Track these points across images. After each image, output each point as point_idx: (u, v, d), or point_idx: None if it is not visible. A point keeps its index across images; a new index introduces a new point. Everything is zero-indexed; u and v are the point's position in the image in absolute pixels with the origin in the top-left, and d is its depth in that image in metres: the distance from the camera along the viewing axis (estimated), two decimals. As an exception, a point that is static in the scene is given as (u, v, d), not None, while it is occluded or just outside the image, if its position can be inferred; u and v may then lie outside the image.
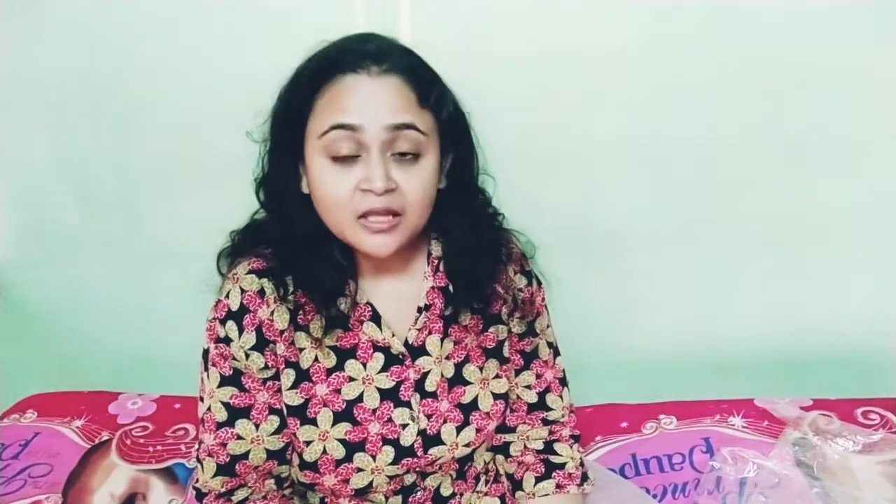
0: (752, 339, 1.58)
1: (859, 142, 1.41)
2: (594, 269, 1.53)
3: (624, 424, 1.30)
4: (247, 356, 0.85)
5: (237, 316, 0.85)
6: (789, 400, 1.31)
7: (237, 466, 0.87)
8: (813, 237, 1.50)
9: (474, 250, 0.89)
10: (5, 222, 1.61)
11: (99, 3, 1.39)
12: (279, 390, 0.88)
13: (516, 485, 1.00)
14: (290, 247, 0.85)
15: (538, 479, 0.99)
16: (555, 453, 1.01)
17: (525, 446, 1.01)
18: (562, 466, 1.00)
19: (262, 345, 0.86)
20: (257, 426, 0.87)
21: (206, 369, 0.88)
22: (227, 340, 0.85)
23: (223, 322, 0.85)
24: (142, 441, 1.27)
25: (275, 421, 0.88)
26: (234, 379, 0.86)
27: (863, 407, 1.28)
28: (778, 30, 1.33)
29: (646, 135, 1.42)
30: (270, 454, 0.88)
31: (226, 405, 0.86)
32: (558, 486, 0.98)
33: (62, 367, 1.61)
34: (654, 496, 1.14)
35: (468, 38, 1.30)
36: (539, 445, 1.01)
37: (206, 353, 0.88)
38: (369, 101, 0.77)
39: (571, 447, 1.02)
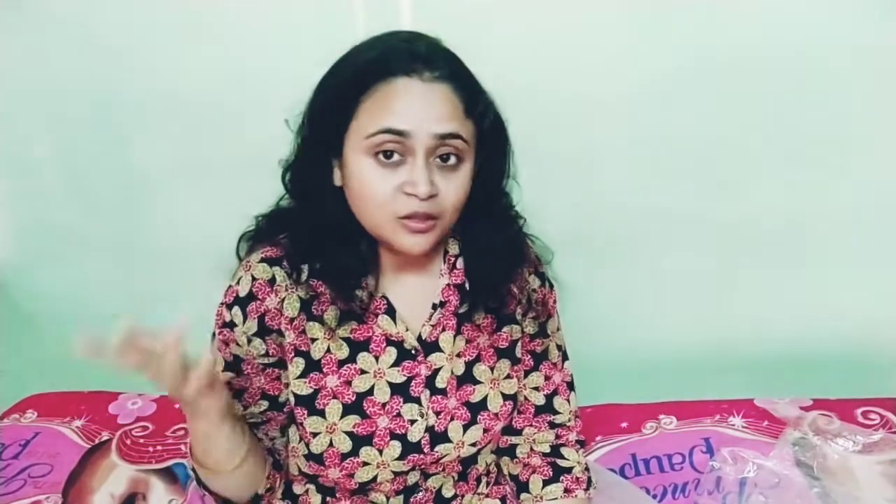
0: (752, 339, 1.58)
1: (859, 142, 1.41)
2: (594, 270, 1.53)
3: (624, 424, 1.30)
4: (249, 341, 0.86)
5: (244, 302, 0.86)
6: (789, 400, 1.31)
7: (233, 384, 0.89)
8: (813, 237, 1.50)
9: (494, 251, 0.90)
10: (5, 222, 1.61)
11: (99, 4, 1.38)
12: (278, 378, 0.89)
13: (521, 487, 1.00)
14: (315, 236, 0.85)
15: (546, 483, 0.99)
16: (562, 457, 1.01)
17: (532, 449, 1.01)
18: (569, 470, 1.00)
19: (263, 332, 0.86)
20: (246, 407, 0.90)
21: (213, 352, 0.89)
22: (231, 325, 0.86)
23: (230, 307, 0.86)
24: (142, 441, 1.27)
25: (263, 405, 0.90)
26: (234, 364, 0.88)
27: (863, 407, 1.28)
28: (778, 30, 1.33)
29: (647, 136, 1.42)
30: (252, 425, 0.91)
31: (227, 385, 0.87)
32: (566, 491, 0.98)
33: (62, 367, 1.61)
34: (654, 496, 1.14)
35: (468, 38, 1.29)
36: (546, 449, 1.01)
37: (213, 336, 0.90)
38: (420, 108, 0.77)
39: (577, 452, 1.02)
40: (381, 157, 0.78)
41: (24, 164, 1.55)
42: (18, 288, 1.65)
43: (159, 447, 1.26)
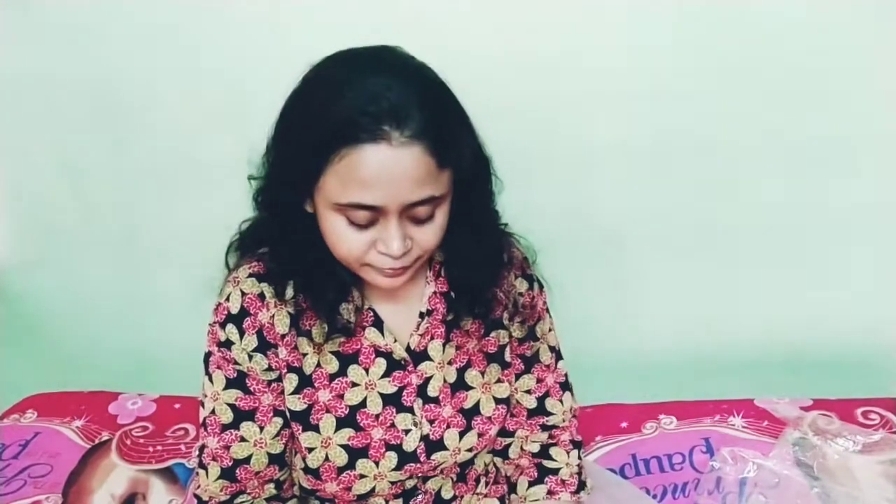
0: (752, 339, 1.58)
1: (859, 142, 1.41)
2: (594, 270, 1.53)
3: (624, 424, 1.30)
4: (250, 357, 0.85)
5: (237, 319, 0.85)
6: (789, 400, 1.31)
7: (238, 471, 0.86)
8: (813, 237, 1.50)
9: (475, 258, 0.89)
10: (5, 222, 1.61)
11: (99, 5, 1.38)
12: (283, 392, 0.87)
13: (511, 488, 1.01)
14: (293, 253, 0.84)
15: (531, 484, 0.99)
16: (550, 458, 1.00)
17: (522, 448, 1.01)
18: (555, 472, 0.99)
19: (264, 347, 0.85)
20: (262, 428, 0.87)
21: (208, 373, 0.87)
22: (227, 344, 0.85)
23: (223, 325, 0.85)
24: (142, 441, 1.27)
25: (278, 423, 0.87)
26: (238, 381, 0.86)
27: (863, 407, 1.28)
28: (778, 30, 1.33)
29: (645, 136, 1.42)
30: (272, 458, 0.88)
31: (231, 406, 0.86)
32: (550, 493, 0.98)
33: (62, 367, 1.61)
34: (654, 496, 1.14)
35: (468, 38, 1.29)
36: (535, 448, 1.01)
37: (207, 356, 0.88)
38: (390, 179, 0.72)
39: (569, 453, 1.01)
40: (351, 218, 0.76)
41: (24, 164, 1.55)
42: (18, 288, 1.65)
43: (159, 447, 1.26)
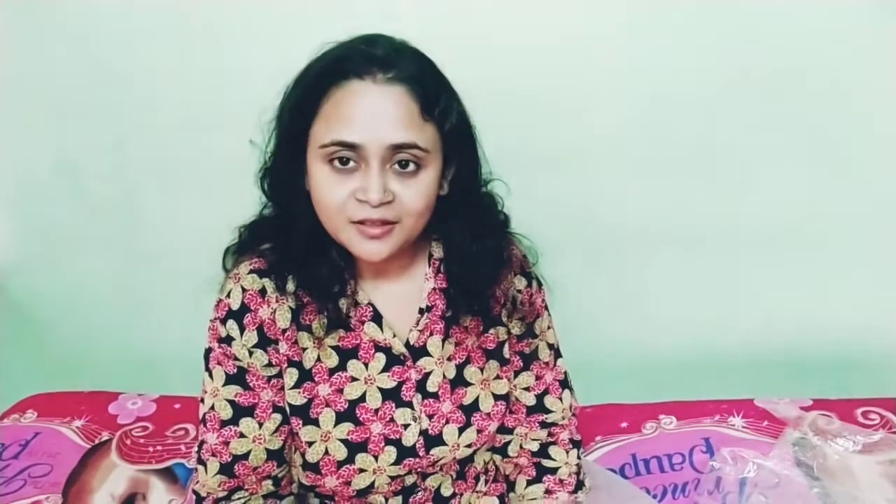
0: (752, 339, 1.58)
1: (859, 142, 1.41)
2: (594, 270, 1.53)
3: (624, 424, 1.30)
4: (250, 353, 0.86)
5: (238, 315, 0.85)
6: (789, 400, 1.31)
7: (236, 467, 0.87)
8: (813, 237, 1.50)
9: (474, 258, 0.89)
10: (5, 222, 1.61)
11: (98, 5, 1.38)
12: (283, 388, 0.88)
13: (510, 486, 1.01)
14: (291, 245, 0.85)
15: (529, 483, 0.99)
16: (549, 457, 1.01)
17: (521, 447, 1.01)
18: (554, 471, 1.00)
19: (264, 343, 0.86)
20: (261, 424, 0.87)
21: (208, 369, 0.88)
22: (228, 340, 0.86)
23: (224, 322, 0.86)
24: (142, 441, 1.27)
25: (277, 419, 0.88)
26: (238, 377, 0.86)
27: (863, 407, 1.28)
28: (779, 31, 1.33)
29: (646, 135, 1.42)
30: (270, 454, 0.88)
31: (231, 403, 0.86)
32: (547, 492, 0.98)
33: (62, 367, 1.61)
34: (654, 496, 1.14)
35: (468, 37, 1.30)
36: (534, 447, 1.01)
37: (207, 352, 0.88)
38: (372, 115, 0.76)
39: (568, 452, 1.01)
40: (335, 163, 0.77)
41: (24, 164, 1.55)
42: (18, 288, 1.65)
43: (159, 447, 1.26)
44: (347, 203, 0.78)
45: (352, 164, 0.77)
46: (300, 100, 0.79)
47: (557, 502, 0.98)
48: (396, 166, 0.78)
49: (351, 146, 0.76)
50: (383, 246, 0.81)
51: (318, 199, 0.80)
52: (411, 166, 0.79)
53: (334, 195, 0.78)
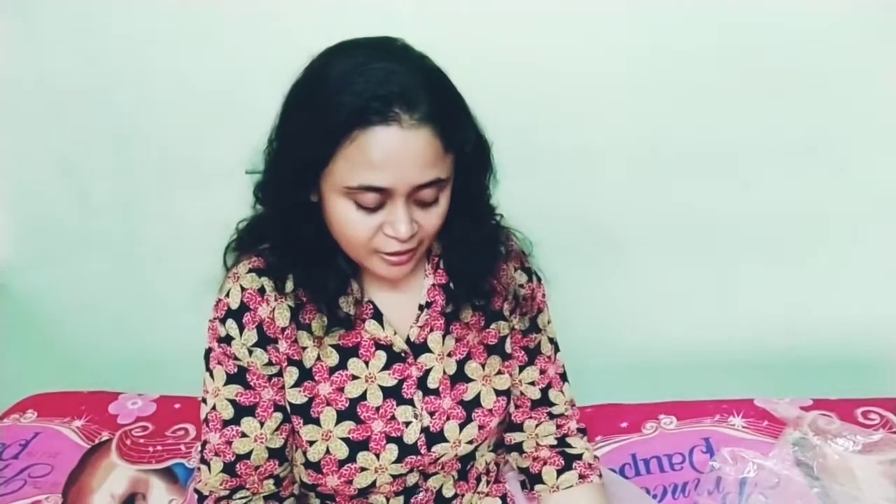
0: (752, 340, 1.58)
1: (859, 142, 1.41)
2: (594, 269, 1.53)
3: (624, 424, 1.30)
4: (250, 353, 0.86)
5: (237, 314, 0.85)
6: (789, 400, 1.31)
7: (238, 466, 0.87)
8: (813, 237, 1.50)
9: (472, 244, 0.90)
10: (5, 222, 1.61)
11: (98, 6, 1.38)
12: (283, 387, 0.88)
13: (533, 479, 1.00)
14: (292, 249, 0.85)
15: (560, 472, 0.98)
16: (569, 446, 1.01)
17: (538, 444, 1.01)
18: (580, 457, 1.00)
19: (264, 341, 0.86)
20: (262, 423, 0.87)
21: (209, 369, 0.88)
22: (228, 339, 0.86)
23: (223, 321, 0.86)
24: (142, 441, 1.27)
25: (278, 418, 0.88)
26: (238, 377, 0.87)
27: (863, 407, 1.28)
28: (779, 31, 1.33)
29: (646, 134, 1.42)
30: (271, 453, 0.88)
31: (232, 402, 0.86)
32: (581, 477, 0.98)
33: (62, 367, 1.61)
34: (654, 496, 1.14)
35: (468, 38, 1.29)
36: (551, 441, 1.01)
37: (208, 352, 0.89)
38: (399, 161, 0.74)
39: (582, 439, 1.02)
40: (360, 200, 0.77)
41: (24, 164, 1.55)
42: (18, 288, 1.65)
43: (159, 447, 1.26)
44: (374, 238, 0.79)
45: (376, 203, 0.77)
46: (315, 138, 0.76)
47: (592, 485, 0.98)
48: (419, 197, 0.78)
49: (380, 190, 0.76)
50: (407, 268, 0.83)
51: (342, 233, 0.81)
52: (432, 197, 0.79)
53: (360, 231, 0.79)
